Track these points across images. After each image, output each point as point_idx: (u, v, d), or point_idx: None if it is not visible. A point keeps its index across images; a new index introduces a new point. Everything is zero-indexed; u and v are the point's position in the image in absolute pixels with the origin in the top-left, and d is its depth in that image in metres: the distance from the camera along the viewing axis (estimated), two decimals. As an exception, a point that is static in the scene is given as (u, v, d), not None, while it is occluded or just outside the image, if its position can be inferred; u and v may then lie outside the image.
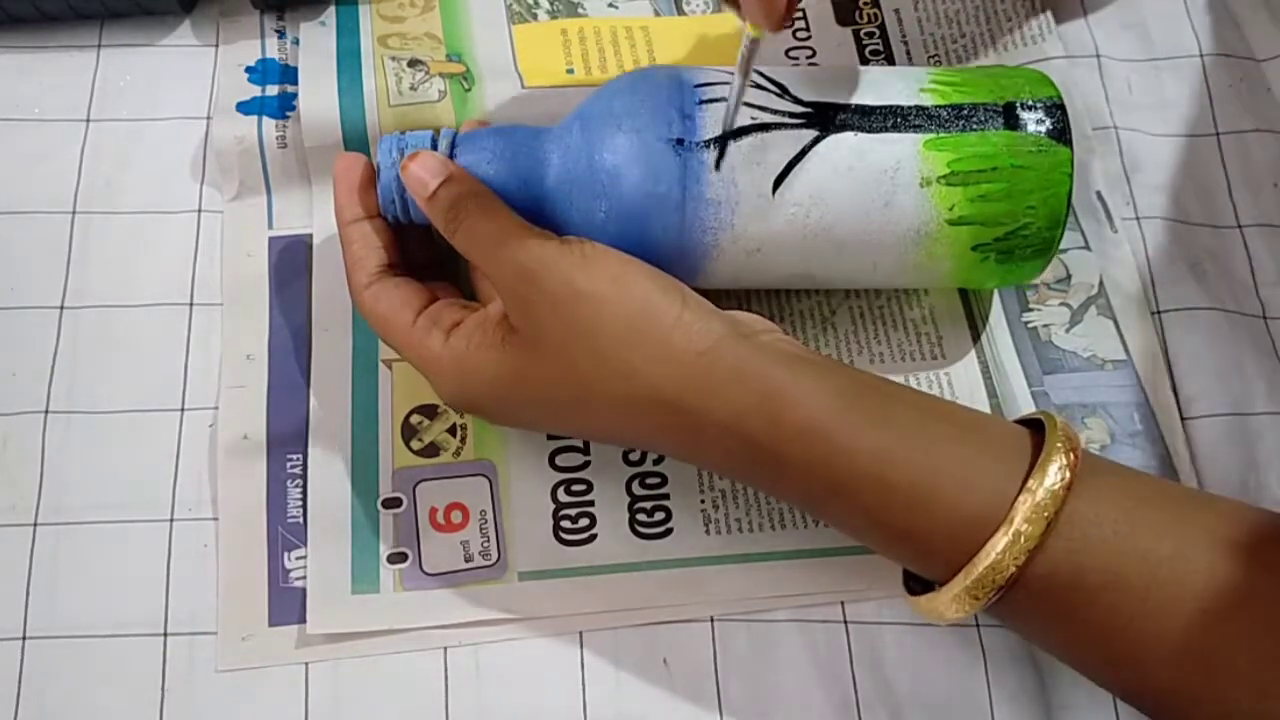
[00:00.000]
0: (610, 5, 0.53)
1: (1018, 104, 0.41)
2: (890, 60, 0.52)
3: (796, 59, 0.52)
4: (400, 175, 0.40)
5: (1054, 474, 0.34)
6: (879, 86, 0.41)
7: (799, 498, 0.37)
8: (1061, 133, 0.40)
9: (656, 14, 0.53)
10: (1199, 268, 0.48)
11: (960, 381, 0.46)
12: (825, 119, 0.40)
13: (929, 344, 0.47)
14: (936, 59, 0.52)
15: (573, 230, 0.40)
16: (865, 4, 0.54)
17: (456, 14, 0.51)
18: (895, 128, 0.40)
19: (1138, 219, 0.49)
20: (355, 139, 0.46)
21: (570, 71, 0.50)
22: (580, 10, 0.52)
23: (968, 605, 0.35)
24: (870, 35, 0.53)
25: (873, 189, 0.40)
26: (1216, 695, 0.32)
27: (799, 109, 0.40)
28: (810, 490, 0.36)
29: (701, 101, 0.40)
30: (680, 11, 0.53)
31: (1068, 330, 0.47)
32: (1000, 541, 0.33)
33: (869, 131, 0.40)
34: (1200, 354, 0.46)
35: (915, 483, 0.35)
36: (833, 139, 0.40)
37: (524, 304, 0.37)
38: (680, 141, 0.39)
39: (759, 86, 0.41)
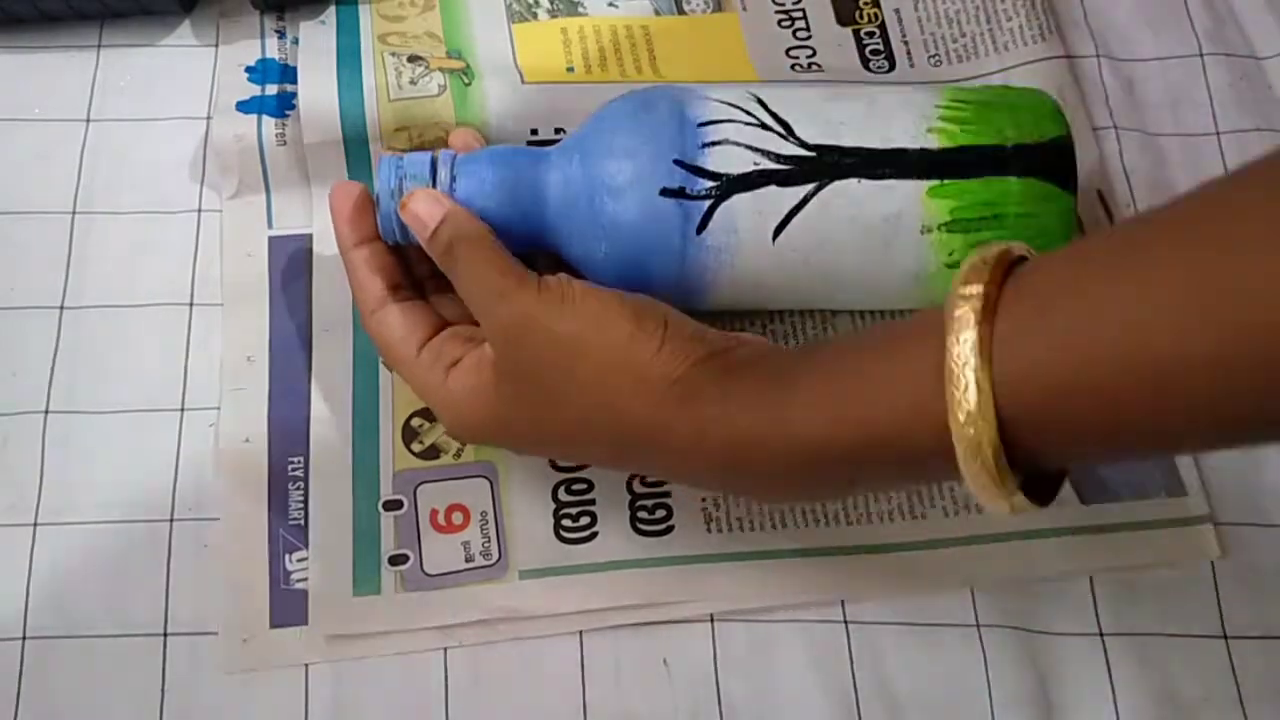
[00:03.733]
0: (610, 4, 0.53)
1: (1025, 147, 0.40)
2: (890, 60, 0.52)
3: (796, 58, 0.52)
4: (400, 214, 0.40)
5: (962, 346, 0.30)
6: (885, 124, 0.40)
7: (782, 494, 0.38)
8: (1066, 178, 0.40)
9: (657, 13, 0.53)
10: (1199, 268, 0.48)
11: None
12: (828, 165, 0.40)
13: (929, 344, 0.47)
14: (936, 59, 0.52)
15: (573, 262, 0.41)
16: (865, 4, 0.53)
17: (456, 13, 0.51)
18: (899, 174, 0.40)
19: (1138, 219, 0.49)
20: (355, 134, 0.46)
21: (570, 70, 0.50)
22: (580, 9, 0.52)
23: (989, 471, 0.31)
24: (870, 35, 0.53)
25: (873, 235, 0.40)
26: None
27: (802, 153, 0.40)
28: (780, 486, 0.36)
29: (704, 145, 0.40)
30: (680, 11, 0.53)
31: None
32: (959, 437, 0.30)
33: (872, 178, 0.40)
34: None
35: (836, 426, 0.33)
36: (835, 186, 0.39)
37: (510, 354, 0.37)
38: (681, 190, 0.39)
39: (763, 126, 0.40)
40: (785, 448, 0.34)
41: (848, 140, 0.40)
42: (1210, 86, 0.52)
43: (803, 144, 0.40)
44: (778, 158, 0.40)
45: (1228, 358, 0.27)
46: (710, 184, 0.39)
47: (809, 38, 0.52)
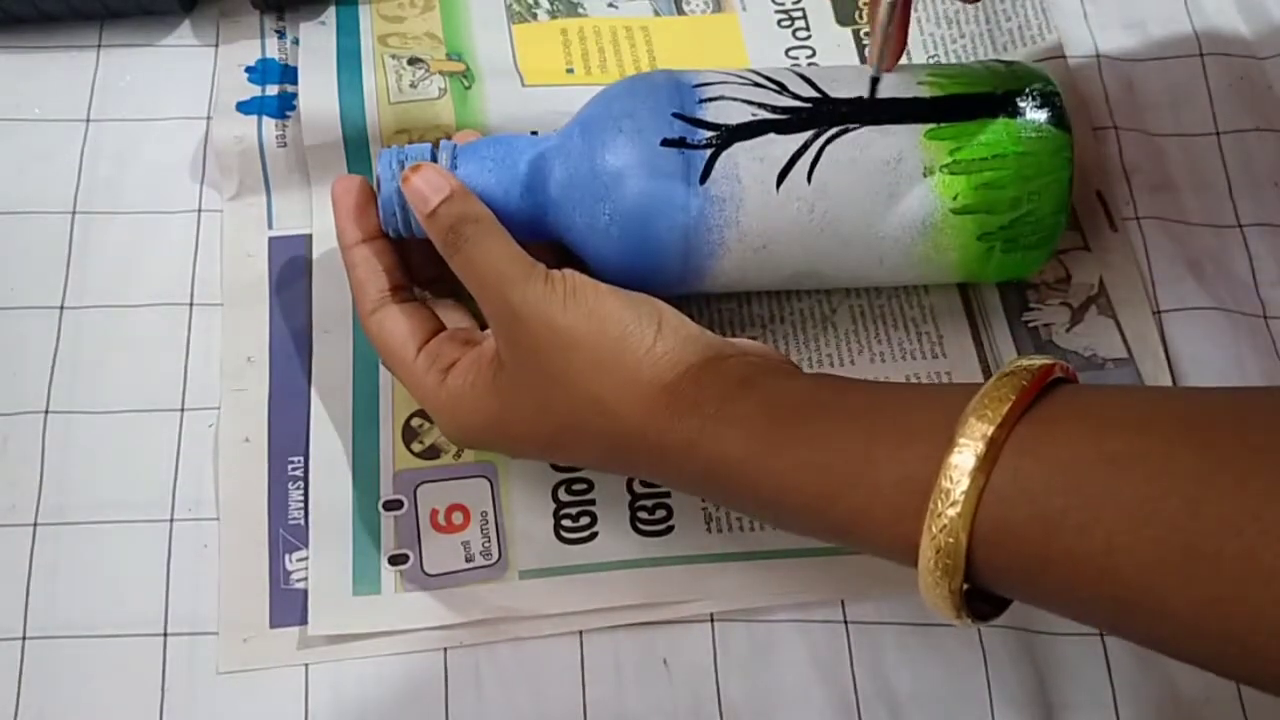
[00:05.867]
0: (610, 5, 0.53)
1: (1016, 93, 0.41)
2: (890, 60, 0.52)
3: (796, 58, 0.52)
4: (402, 188, 0.40)
5: (965, 459, 0.30)
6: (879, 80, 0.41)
7: (754, 516, 0.38)
8: (1061, 119, 0.41)
9: (656, 14, 0.53)
10: (1199, 267, 0.48)
11: (960, 381, 0.46)
12: (825, 113, 0.40)
13: (929, 343, 0.47)
14: (936, 59, 0.52)
15: (577, 236, 0.41)
16: (865, 4, 0.54)
17: (456, 14, 0.51)
18: (895, 119, 0.40)
19: (1138, 219, 0.49)
20: (355, 136, 0.46)
21: (570, 71, 0.50)
22: (580, 10, 0.52)
23: (944, 594, 0.32)
24: (870, 35, 0.53)
25: (876, 180, 0.40)
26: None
27: (798, 104, 0.40)
28: (752, 511, 0.37)
29: (701, 100, 0.40)
30: (680, 11, 0.53)
31: (1068, 330, 0.47)
32: (926, 544, 0.31)
33: (869, 124, 0.40)
34: (1201, 353, 0.46)
35: (818, 495, 0.34)
36: (834, 132, 0.40)
37: (511, 342, 0.37)
38: (682, 140, 0.39)
39: (757, 85, 0.41)
40: (770, 492, 0.35)
41: (841, 92, 0.41)
42: (1210, 86, 0.52)
43: (797, 97, 0.41)
44: (774, 109, 0.40)
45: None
46: (710, 133, 0.40)
47: (809, 37, 0.53)
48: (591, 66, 0.50)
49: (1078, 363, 0.46)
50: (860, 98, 0.41)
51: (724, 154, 0.39)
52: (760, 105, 0.40)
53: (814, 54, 0.52)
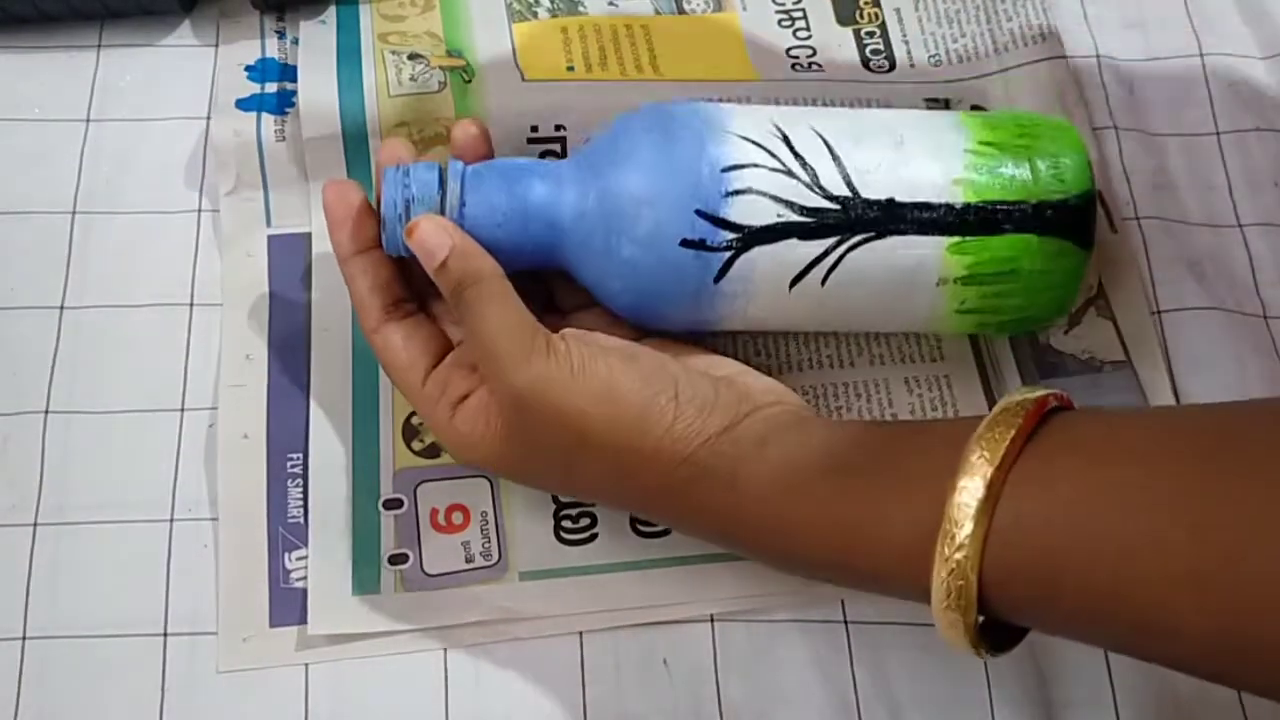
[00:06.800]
0: (610, 3, 0.53)
1: (1049, 205, 0.39)
2: (891, 60, 0.52)
3: (796, 58, 0.52)
4: (406, 242, 0.39)
5: (966, 500, 0.31)
6: (912, 173, 0.39)
7: (771, 567, 0.40)
8: (1086, 235, 0.40)
9: (657, 12, 0.53)
10: (1199, 268, 0.48)
11: (958, 383, 0.46)
12: (851, 219, 0.39)
13: (928, 345, 0.47)
14: (936, 59, 0.52)
15: (586, 285, 0.41)
16: (865, 4, 0.54)
17: (457, 12, 0.51)
18: (922, 229, 0.39)
19: (1138, 219, 0.49)
20: (354, 130, 0.46)
21: (570, 69, 0.50)
22: (580, 8, 0.52)
23: (960, 632, 0.33)
24: (871, 35, 0.53)
25: (889, 286, 0.40)
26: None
27: (826, 204, 0.39)
28: (768, 564, 0.39)
29: (728, 193, 0.39)
30: (680, 10, 0.53)
31: (1066, 332, 0.47)
32: (939, 574, 0.32)
33: (895, 234, 0.39)
34: (1200, 354, 0.46)
35: (835, 549, 0.35)
36: (857, 240, 0.39)
37: (518, 420, 0.38)
38: (702, 242, 0.39)
39: (789, 173, 0.39)
40: (785, 547, 0.36)
41: (873, 191, 0.39)
42: (1210, 86, 0.52)
43: (827, 195, 0.39)
44: (801, 209, 0.39)
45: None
46: (731, 236, 0.39)
47: (809, 37, 0.52)
48: (592, 64, 0.50)
49: (1075, 365, 0.46)
50: (891, 200, 0.39)
51: (743, 256, 0.39)
52: (787, 204, 0.39)
53: (814, 53, 0.52)
